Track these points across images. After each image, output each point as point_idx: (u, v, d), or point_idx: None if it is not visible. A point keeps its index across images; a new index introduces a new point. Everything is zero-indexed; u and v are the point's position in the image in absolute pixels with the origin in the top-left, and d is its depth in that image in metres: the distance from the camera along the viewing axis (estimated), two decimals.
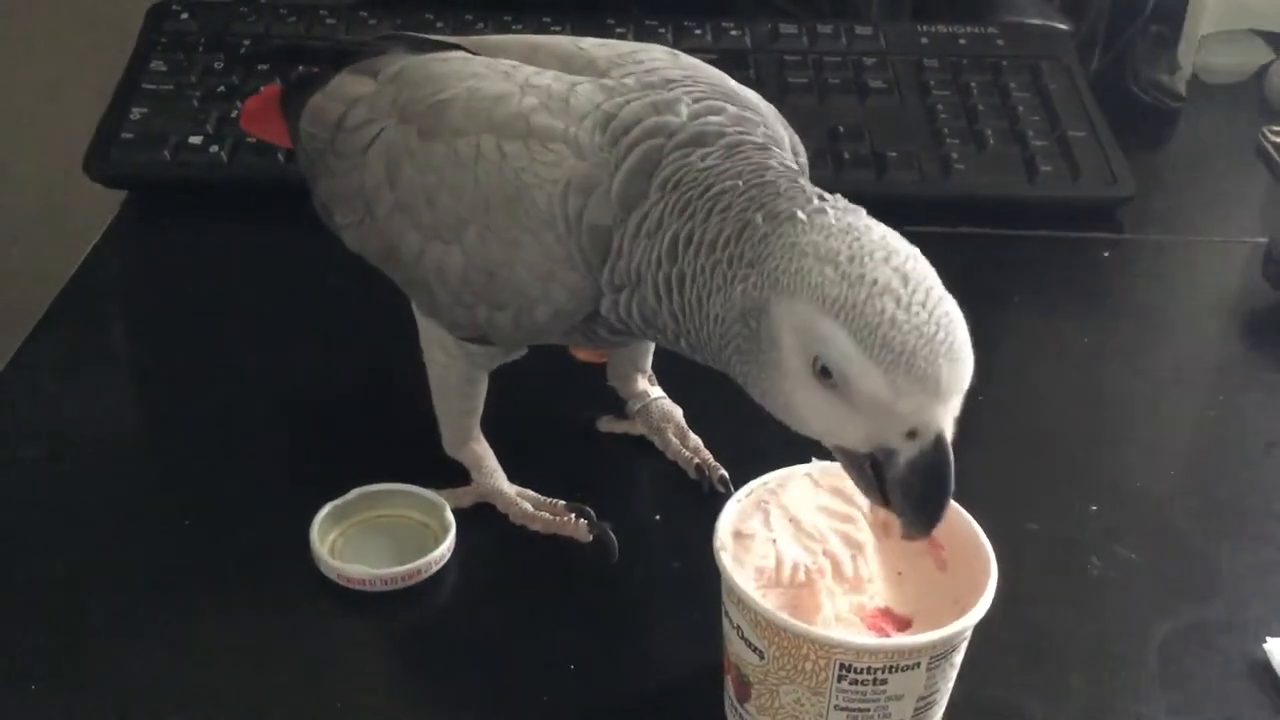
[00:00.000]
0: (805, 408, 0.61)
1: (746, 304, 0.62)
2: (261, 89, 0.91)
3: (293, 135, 0.82)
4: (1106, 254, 1.07)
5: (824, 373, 0.59)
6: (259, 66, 1.10)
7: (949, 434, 0.59)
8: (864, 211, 0.62)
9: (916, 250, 0.60)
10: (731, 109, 0.69)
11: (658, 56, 0.72)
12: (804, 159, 0.73)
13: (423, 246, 0.72)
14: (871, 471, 0.61)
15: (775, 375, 0.62)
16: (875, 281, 0.58)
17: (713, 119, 0.68)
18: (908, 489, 0.60)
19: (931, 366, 0.57)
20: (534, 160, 0.68)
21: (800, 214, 0.61)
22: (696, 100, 0.69)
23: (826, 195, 0.63)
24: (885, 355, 0.57)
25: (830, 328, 0.58)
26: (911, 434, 0.59)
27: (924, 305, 0.58)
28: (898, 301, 0.57)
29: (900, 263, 0.59)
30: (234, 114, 1.09)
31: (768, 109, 0.73)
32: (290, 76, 0.86)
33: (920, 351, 0.57)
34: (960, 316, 0.59)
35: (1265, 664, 0.72)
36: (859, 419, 0.60)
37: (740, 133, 0.68)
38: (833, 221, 0.60)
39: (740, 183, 0.64)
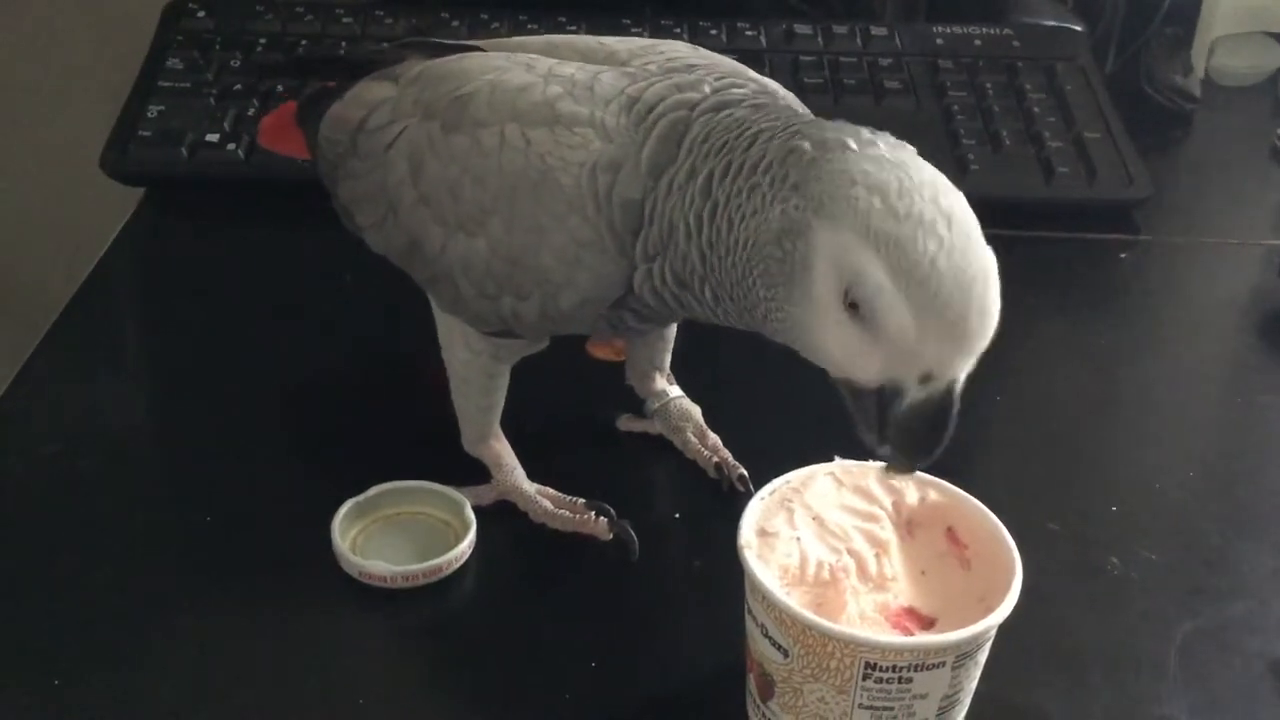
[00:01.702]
0: (826, 337, 0.62)
1: (785, 225, 0.61)
2: (278, 106, 0.91)
3: (311, 147, 0.82)
4: (1123, 255, 1.07)
5: (852, 304, 0.60)
6: (277, 86, 1.10)
7: (960, 384, 0.60)
8: (914, 150, 0.62)
9: (962, 195, 0.60)
10: (753, 85, 0.70)
11: (679, 49, 0.73)
12: None
13: (446, 240, 0.72)
14: (875, 407, 0.62)
15: (801, 301, 0.62)
16: (923, 218, 0.58)
17: (735, 90, 0.68)
18: (907, 429, 0.61)
19: (962, 314, 0.58)
20: (559, 145, 0.68)
21: (852, 142, 0.61)
22: (719, 79, 0.69)
23: (876, 131, 0.62)
24: (920, 295, 0.58)
25: (870, 259, 0.58)
26: (925, 377, 0.60)
27: (965, 251, 0.58)
28: (941, 244, 0.57)
29: (949, 204, 0.58)
30: (251, 112, 1.09)
31: (788, 94, 0.73)
32: (305, 92, 0.86)
33: (955, 297, 0.57)
34: (995, 268, 0.59)
35: None
36: (878, 353, 0.60)
37: (765, 99, 0.68)
38: (885, 154, 0.60)
39: (779, 122, 0.64)
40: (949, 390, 0.60)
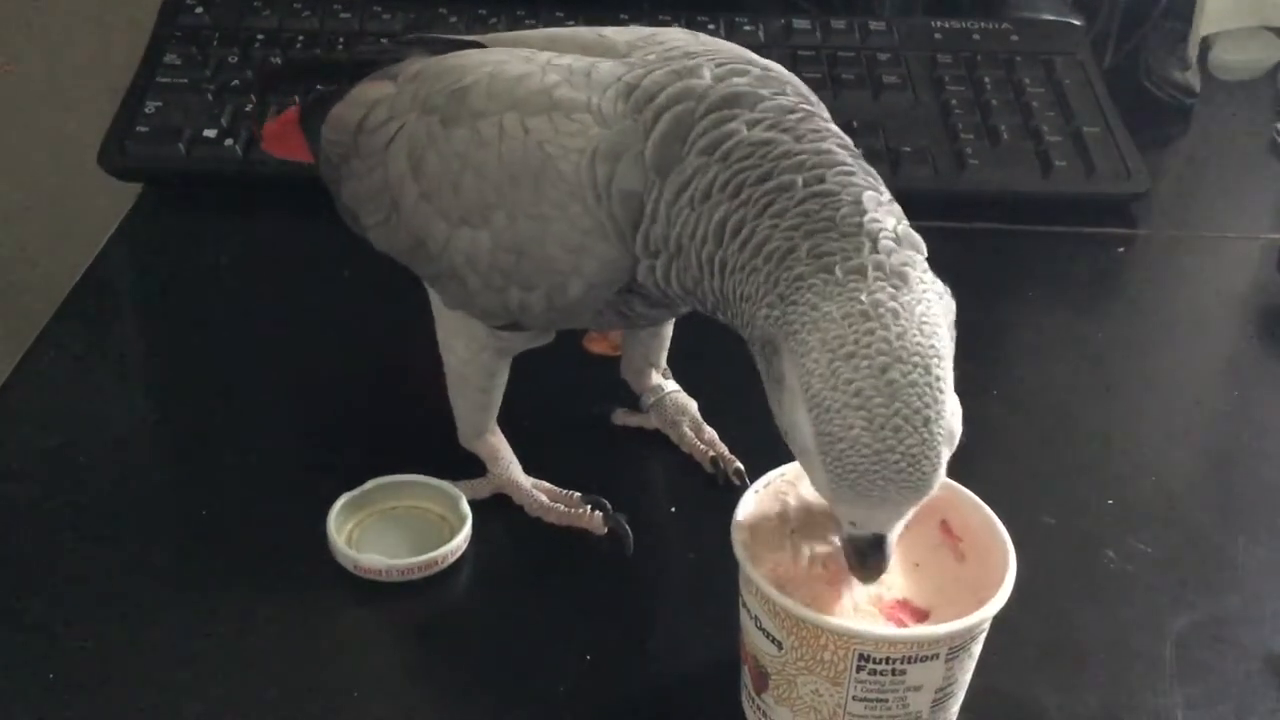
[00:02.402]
0: (793, 442, 0.62)
1: (766, 331, 0.61)
2: (280, 112, 0.91)
3: (314, 150, 0.82)
4: (1121, 249, 1.07)
5: None
6: (276, 88, 1.10)
7: (892, 535, 0.61)
8: (913, 271, 0.59)
9: (935, 352, 0.57)
10: (755, 70, 0.68)
11: (678, 37, 0.72)
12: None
13: (450, 234, 0.71)
14: None
15: (776, 397, 0.62)
16: (859, 393, 0.56)
17: (738, 80, 0.67)
18: (849, 551, 0.62)
19: (877, 492, 0.58)
20: (558, 132, 0.67)
21: (838, 272, 0.59)
22: (719, 65, 0.68)
23: (886, 233, 0.60)
24: (836, 468, 0.58)
25: (803, 417, 0.59)
26: (853, 522, 0.61)
27: (897, 432, 0.56)
28: (870, 422, 0.56)
29: (899, 374, 0.56)
30: (249, 108, 1.09)
31: (791, 77, 0.71)
32: (308, 96, 0.86)
33: (872, 478, 0.57)
34: (941, 439, 0.57)
35: None
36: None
37: (773, 93, 0.67)
38: (862, 298, 0.58)
39: (800, 180, 0.62)
40: (875, 538, 0.61)
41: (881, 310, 0.58)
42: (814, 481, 0.61)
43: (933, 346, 0.57)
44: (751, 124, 0.65)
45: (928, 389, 0.57)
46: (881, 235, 0.60)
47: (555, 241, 0.68)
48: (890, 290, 0.58)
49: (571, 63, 0.70)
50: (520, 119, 0.69)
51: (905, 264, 0.59)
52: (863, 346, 0.57)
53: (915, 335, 0.57)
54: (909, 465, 0.57)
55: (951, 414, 0.58)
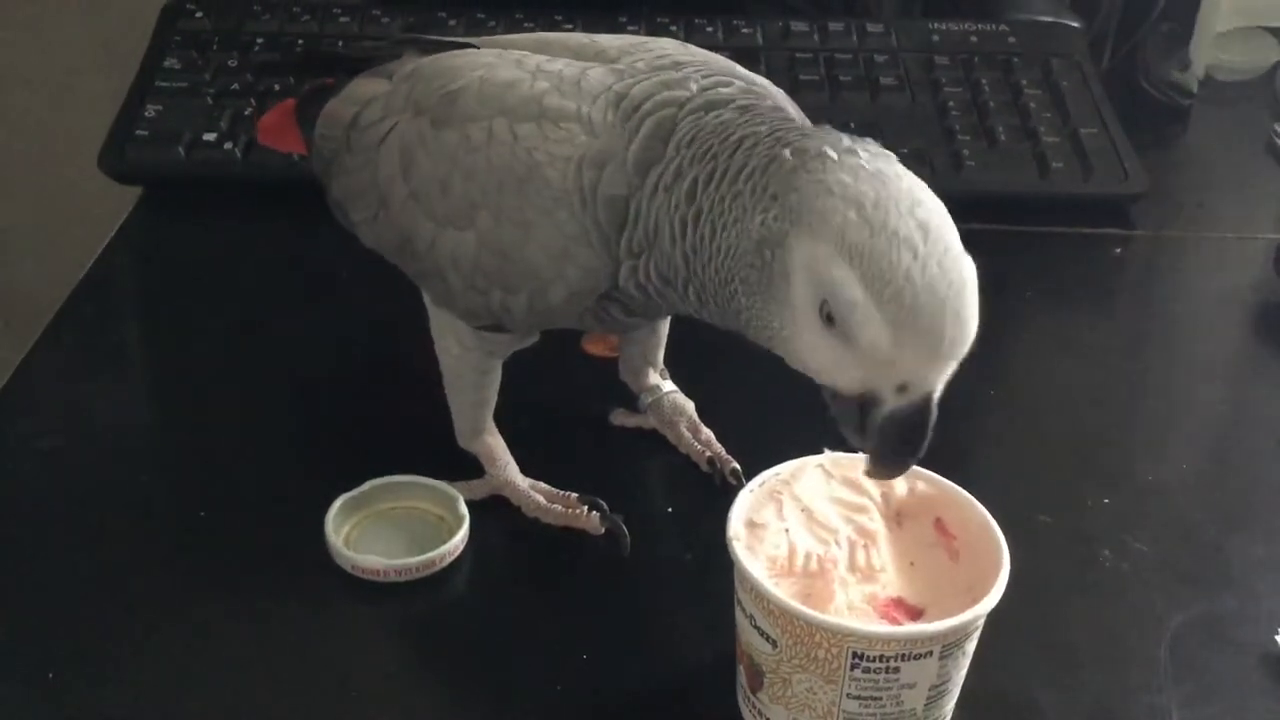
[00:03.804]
0: (804, 346, 0.62)
1: (764, 234, 0.61)
2: (277, 104, 0.91)
3: (308, 144, 0.83)
4: (1118, 250, 1.07)
5: (829, 317, 0.60)
6: (274, 85, 1.10)
7: (938, 393, 0.60)
8: (895, 158, 0.62)
9: (942, 205, 0.60)
10: (740, 83, 0.70)
11: (667, 46, 0.73)
12: None
13: (436, 235, 0.72)
14: (855, 413, 0.62)
15: (780, 311, 0.62)
16: (897, 232, 0.58)
17: (723, 90, 0.68)
18: (886, 437, 0.62)
19: (937, 327, 0.58)
20: (546, 139, 0.68)
21: (831, 152, 0.61)
22: (706, 77, 0.69)
23: (858, 138, 0.62)
24: (894, 308, 0.58)
25: (844, 272, 0.59)
26: (902, 388, 0.60)
27: (940, 263, 0.58)
28: (915, 255, 0.57)
29: (925, 216, 0.58)
30: (248, 111, 1.10)
31: (777, 91, 0.73)
32: (304, 88, 0.86)
33: (929, 310, 0.58)
34: (974, 279, 0.59)
35: (1277, 656, 0.72)
36: (855, 364, 0.60)
37: (752, 100, 0.68)
38: (864, 164, 0.60)
39: (764, 128, 0.65)
40: (926, 401, 0.60)
41: (885, 173, 0.60)
42: (864, 338, 0.59)
43: (939, 201, 0.60)
44: (718, 115, 0.67)
45: (952, 230, 0.59)
46: (851, 138, 0.62)
47: (539, 247, 0.69)
48: (887, 159, 0.61)
49: (562, 69, 0.70)
50: (509, 125, 0.69)
51: (883, 151, 0.62)
52: (886, 196, 0.59)
53: (924, 189, 0.60)
54: (958, 294, 0.58)
55: None
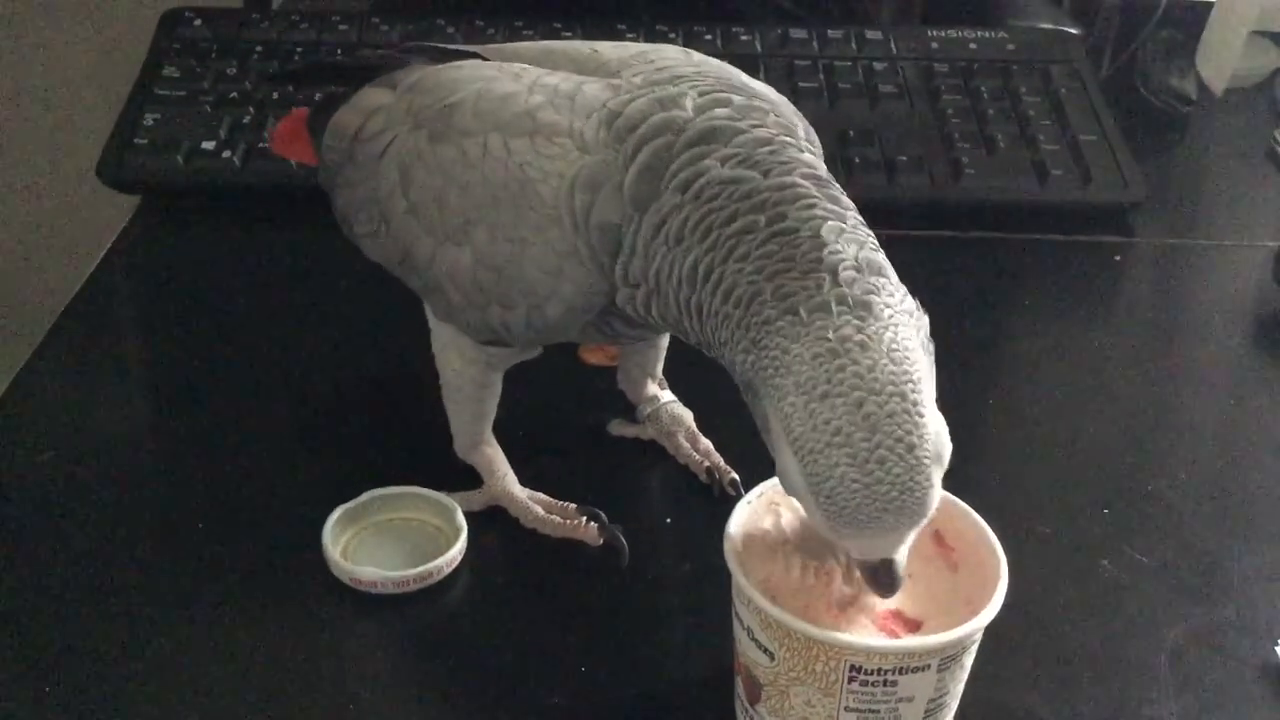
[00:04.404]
0: (782, 471, 0.62)
1: (745, 377, 0.62)
2: (291, 112, 0.91)
3: (318, 154, 0.83)
4: (1117, 258, 1.07)
5: None
6: (273, 93, 1.10)
7: (900, 556, 0.60)
8: (881, 297, 0.59)
9: (909, 378, 0.57)
10: (738, 99, 0.68)
11: (670, 55, 0.72)
12: (819, 149, 0.72)
13: (435, 250, 0.72)
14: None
15: (767, 439, 0.62)
16: (838, 431, 0.57)
17: (719, 111, 0.67)
18: (863, 574, 0.62)
19: (874, 524, 0.58)
20: (539, 155, 0.68)
21: (802, 312, 0.59)
22: (702, 94, 0.68)
23: (846, 264, 0.60)
24: (830, 506, 0.58)
25: (790, 460, 0.59)
26: (859, 550, 0.61)
27: (882, 464, 0.56)
28: (853, 458, 0.57)
29: (875, 407, 0.57)
30: (247, 120, 1.09)
31: (778, 98, 0.72)
32: (315, 97, 0.86)
33: (865, 509, 0.57)
34: (928, 460, 0.57)
35: (1277, 667, 0.72)
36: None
37: (752, 125, 0.67)
38: (829, 335, 0.58)
39: (762, 220, 0.62)
40: (883, 564, 0.61)
41: (849, 345, 0.58)
42: (811, 520, 0.61)
43: (905, 373, 0.57)
44: (724, 159, 0.65)
45: (906, 416, 0.57)
46: (842, 267, 0.60)
47: (533, 264, 0.69)
48: (855, 323, 0.58)
49: (558, 83, 0.70)
50: (504, 140, 0.69)
51: (869, 292, 0.59)
52: (835, 385, 0.57)
53: (886, 365, 0.57)
54: (900, 494, 0.57)
55: (936, 434, 0.58)
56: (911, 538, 0.60)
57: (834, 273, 0.60)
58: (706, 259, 0.63)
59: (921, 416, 0.57)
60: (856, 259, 0.61)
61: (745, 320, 0.61)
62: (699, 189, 0.65)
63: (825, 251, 0.61)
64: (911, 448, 0.57)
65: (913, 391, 0.57)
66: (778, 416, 0.59)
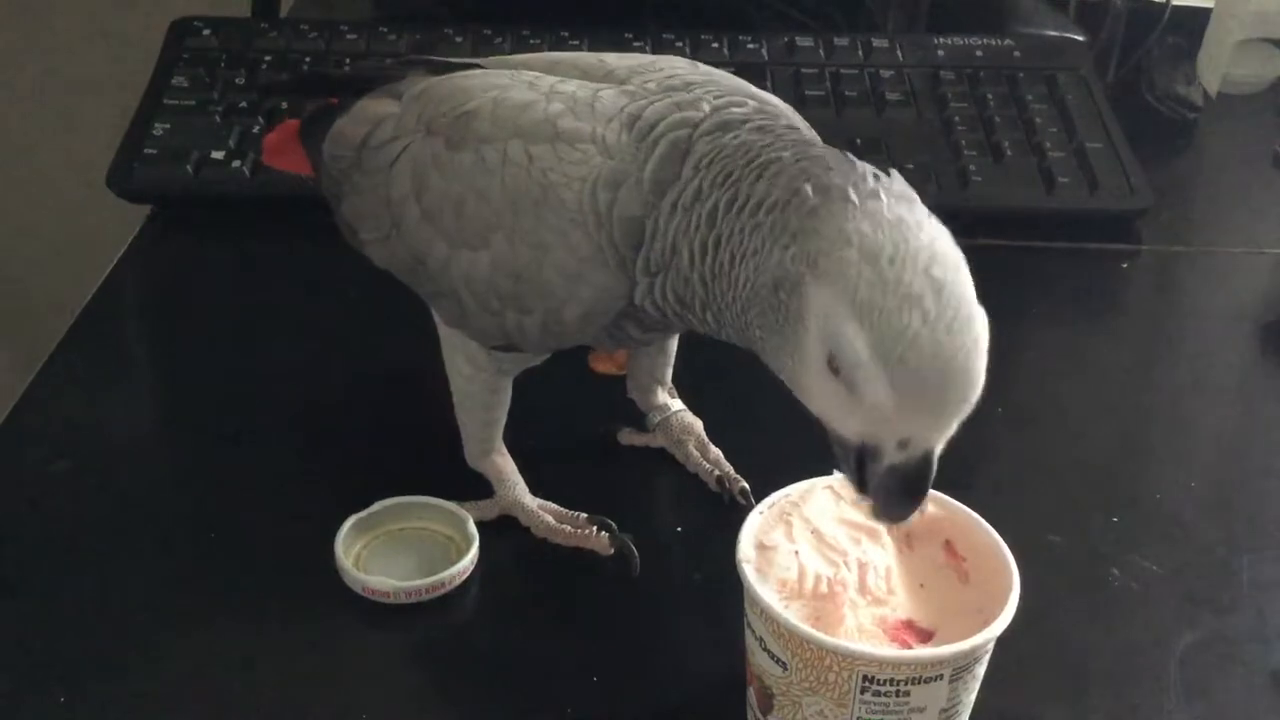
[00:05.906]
0: (811, 390, 0.62)
1: (781, 274, 0.61)
2: (281, 123, 0.92)
3: (314, 163, 0.83)
4: (1124, 265, 1.07)
5: (835, 368, 0.60)
6: (281, 104, 1.11)
7: (938, 450, 0.61)
8: (917, 200, 0.61)
9: (961, 258, 0.59)
10: (753, 103, 0.70)
11: (677, 65, 0.73)
12: None
13: (449, 256, 0.72)
14: (855, 460, 0.62)
15: (792, 351, 0.62)
16: (910, 292, 0.57)
17: (736, 110, 0.69)
18: (886, 488, 0.62)
19: (940, 391, 0.58)
20: (561, 161, 0.68)
21: (852, 194, 0.60)
22: (718, 98, 0.69)
23: (881, 174, 0.62)
24: (899, 371, 0.58)
25: (853, 329, 0.58)
26: (904, 443, 0.60)
27: (950, 327, 0.57)
28: (925, 319, 0.57)
29: (941, 273, 0.58)
30: (256, 129, 1.10)
31: (789, 109, 0.73)
32: (308, 109, 0.86)
33: (934, 376, 0.57)
34: (985, 339, 0.59)
35: None
36: (858, 415, 0.60)
37: (766, 120, 0.68)
38: (884, 211, 0.59)
39: (788, 154, 0.64)
40: (927, 456, 0.60)
41: (909, 219, 0.59)
42: (868, 396, 0.59)
43: (958, 252, 0.59)
44: (736, 136, 0.67)
45: (967, 287, 0.59)
46: (873, 173, 0.62)
47: (554, 268, 0.69)
48: (909, 204, 0.60)
49: (575, 91, 0.71)
50: (524, 147, 0.69)
51: (906, 192, 0.61)
52: (903, 250, 0.58)
53: (944, 241, 0.59)
54: (965, 358, 0.58)
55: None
56: (955, 427, 0.60)
57: (873, 173, 0.62)
58: (729, 193, 0.64)
59: (974, 293, 0.59)
60: (891, 184, 0.62)
61: (783, 219, 0.62)
62: (713, 155, 0.66)
63: (858, 165, 0.63)
64: (972, 317, 0.58)
65: (966, 269, 0.59)
66: (837, 290, 0.59)
